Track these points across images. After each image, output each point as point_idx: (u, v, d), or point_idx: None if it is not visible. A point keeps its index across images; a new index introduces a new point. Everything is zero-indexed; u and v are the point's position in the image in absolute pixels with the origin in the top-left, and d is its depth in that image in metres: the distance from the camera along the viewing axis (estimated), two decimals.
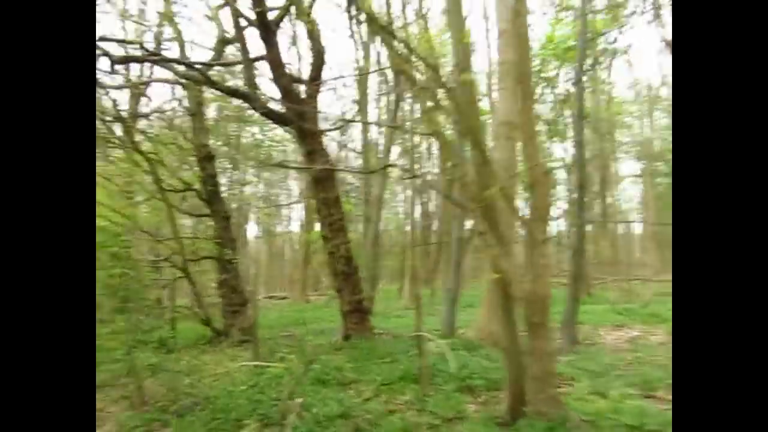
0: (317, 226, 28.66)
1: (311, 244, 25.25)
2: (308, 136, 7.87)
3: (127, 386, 6.78)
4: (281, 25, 8.10)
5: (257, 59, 7.98)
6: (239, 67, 9.14)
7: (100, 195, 10.91)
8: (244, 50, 7.72)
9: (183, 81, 10.27)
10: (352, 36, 14.44)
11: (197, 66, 7.66)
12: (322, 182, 8.16)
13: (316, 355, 7.10)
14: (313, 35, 7.97)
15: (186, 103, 10.33)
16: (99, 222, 10.98)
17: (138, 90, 10.35)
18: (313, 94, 8.13)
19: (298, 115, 7.76)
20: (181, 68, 8.35)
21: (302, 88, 8.26)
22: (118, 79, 9.32)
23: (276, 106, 8.31)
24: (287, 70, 7.89)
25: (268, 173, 29.99)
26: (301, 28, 11.34)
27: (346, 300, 8.49)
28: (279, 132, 20.73)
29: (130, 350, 6.57)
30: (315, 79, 8.14)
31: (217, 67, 9.87)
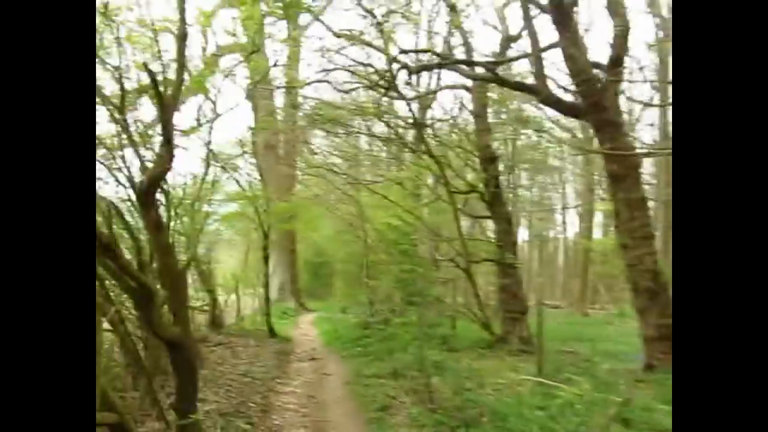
0: (596, 233, 26.28)
1: (590, 252, 23.15)
2: (608, 126, 6.79)
3: (416, 379, 7.07)
4: (576, 6, 7.26)
5: (548, 48, 7.33)
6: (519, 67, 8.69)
7: (394, 196, 12.10)
8: (534, 40, 7.16)
9: (468, 86, 10.46)
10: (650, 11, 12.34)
11: (486, 64, 7.50)
12: (623, 180, 6.94)
13: (613, 385, 6.04)
14: (617, 9, 6.86)
15: (470, 106, 10.42)
16: (392, 221, 12.17)
17: (429, 98, 10.96)
18: (614, 80, 6.99)
19: (595, 105, 6.77)
20: (469, 70, 8.34)
21: (601, 75, 7.21)
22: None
23: (566, 97, 7.50)
24: (583, 55, 6.99)
25: (541, 177, 28.89)
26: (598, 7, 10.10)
27: (651, 323, 7.03)
28: (556, 133, 19.49)
29: (422, 345, 6.79)
30: (617, 62, 6.99)
31: (501, 67, 9.68)
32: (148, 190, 3.73)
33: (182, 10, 4.32)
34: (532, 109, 13.51)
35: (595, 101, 6.79)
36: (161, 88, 4.00)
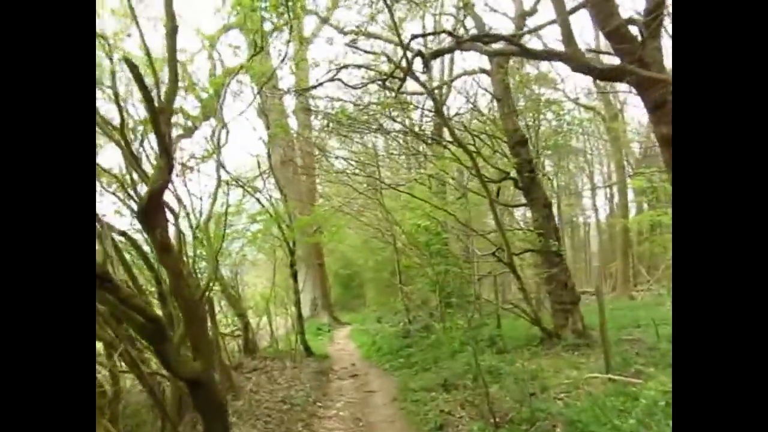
0: (633, 212, 25.12)
1: (629, 232, 22.04)
2: (653, 85, 6.05)
3: (470, 390, 6.41)
4: None
5: (575, 10, 6.64)
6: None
7: (421, 194, 11.49)
8: (558, 3, 6.48)
9: (487, 69, 9.80)
10: None
11: (508, 37, 6.84)
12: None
13: None
14: None
15: (492, 92, 9.76)
16: (421, 222, 11.56)
17: (444, 89, 10.35)
18: (653, 33, 6.26)
19: (637, 63, 6.04)
20: (490, 48, 7.68)
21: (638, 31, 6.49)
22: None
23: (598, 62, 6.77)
24: (615, 11, 6.28)
25: (564, 163, 27.89)
26: None
27: None
28: (576, 114, 18.71)
29: (475, 351, 6.14)
30: (655, 12, 6.26)
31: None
32: (149, 206, 3.23)
33: (169, 4, 3.83)
34: (549, 93, 12.92)
35: (636, 59, 6.06)
36: (155, 103, 3.51)
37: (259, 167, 14.97)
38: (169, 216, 5.35)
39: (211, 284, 5.96)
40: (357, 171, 11.57)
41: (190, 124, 10.80)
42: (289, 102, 15.15)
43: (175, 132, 9.54)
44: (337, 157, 13.51)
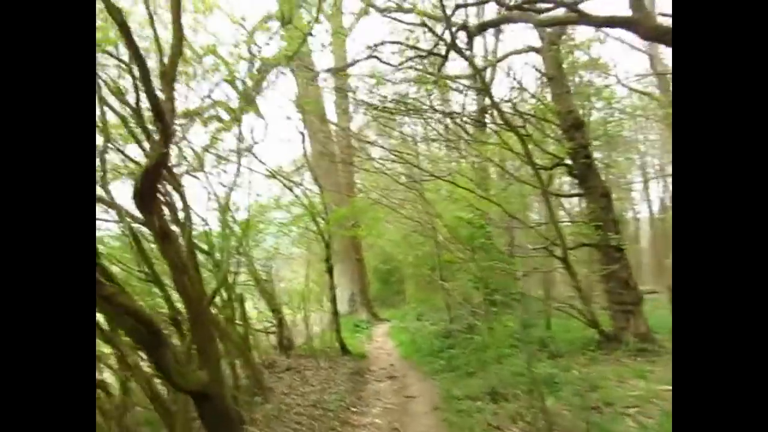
0: None
1: None
2: None
3: (521, 400, 5.69)
4: None
5: None
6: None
7: (464, 183, 10.76)
8: None
9: (538, 47, 8.95)
10: None
11: (567, 3, 6.01)
12: None
13: None
14: None
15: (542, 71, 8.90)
16: (464, 215, 10.82)
17: (491, 68, 9.55)
18: None
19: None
20: (543, 18, 6.86)
21: None
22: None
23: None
24: None
25: (615, 154, 26.29)
26: None
27: None
28: (633, 100, 17.44)
29: (530, 358, 5.40)
30: None
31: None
32: (145, 186, 2.73)
33: None
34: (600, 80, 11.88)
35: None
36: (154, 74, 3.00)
37: (296, 166, 14.65)
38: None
39: (222, 283, 5.47)
40: (395, 159, 10.94)
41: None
42: (328, 99, 14.72)
43: (215, 126, 9.24)
44: (374, 144, 12.89)
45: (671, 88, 20.56)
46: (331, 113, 18.87)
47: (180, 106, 8.23)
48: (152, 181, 2.80)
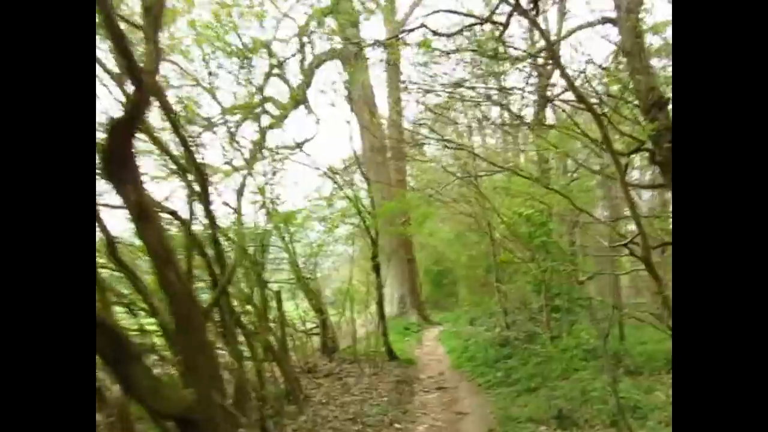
0: None
1: None
2: None
3: (597, 427, 4.74)
4: None
5: None
6: None
7: (522, 180, 9.77)
8: None
9: (614, 17, 7.85)
10: None
11: None
12: None
13: None
14: None
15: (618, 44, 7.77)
16: (523, 210, 9.81)
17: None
18: None
19: None
20: None
21: None
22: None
23: None
24: None
25: None
26: None
27: None
28: None
29: (615, 379, 4.45)
30: None
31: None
32: (113, 149, 2.13)
33: None
34: None
35: None
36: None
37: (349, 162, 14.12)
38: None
39: (228, 281, 4.86)
40: (451, 147, 10.12)
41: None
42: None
43: (266, 121, 8.86)
44: (427, 137, 12.10)
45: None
46: (384, 109, 18.28)
47: (228, 101, 7.87)
48: (125, 140, 2.20)
